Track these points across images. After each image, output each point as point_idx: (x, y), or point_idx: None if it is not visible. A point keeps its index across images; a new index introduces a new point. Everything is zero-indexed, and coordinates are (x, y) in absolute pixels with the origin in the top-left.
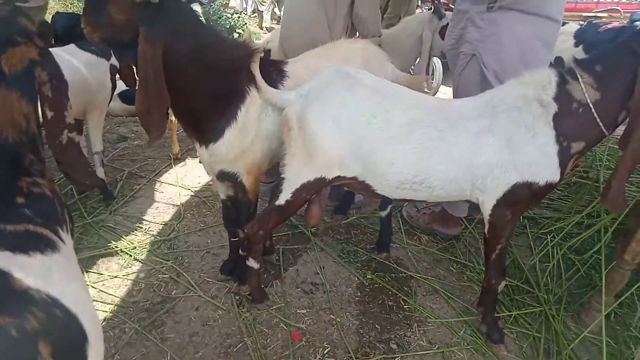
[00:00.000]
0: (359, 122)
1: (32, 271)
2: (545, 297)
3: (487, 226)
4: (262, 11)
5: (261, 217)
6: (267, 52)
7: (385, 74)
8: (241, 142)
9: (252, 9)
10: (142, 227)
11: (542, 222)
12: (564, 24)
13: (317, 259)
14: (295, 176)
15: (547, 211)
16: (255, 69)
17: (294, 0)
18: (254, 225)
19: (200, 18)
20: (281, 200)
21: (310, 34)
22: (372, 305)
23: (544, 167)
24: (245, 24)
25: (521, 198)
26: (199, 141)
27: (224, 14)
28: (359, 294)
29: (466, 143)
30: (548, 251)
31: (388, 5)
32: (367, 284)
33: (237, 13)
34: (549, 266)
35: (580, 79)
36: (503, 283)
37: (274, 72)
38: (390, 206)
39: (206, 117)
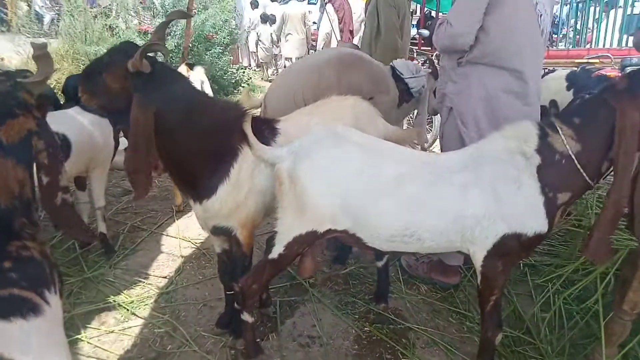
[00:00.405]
0: (348, 177)
1: (9, 339)
2: (547, 348)
3: (479, 277)
4: (263, 64)
5: (255, 270)
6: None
7: (376, 128)
8: (234, 198)
9: (257, 62)
10: (141, 281)
11: (543, 269)
12: (552, 70)
13: (315, 311)
14: (288, 230)
15: (549, 257)
16: (247, 128)
17: (293, 65)
18: (248, 279)
19: (192, 84)
20: (274, 253)
21: (284, 107)
22: (370, 359)
23: (531, 218)
24: (250, 78)
25: (511, 249)
26: (192, 198)
27: (230, 70)
28: (356, 346)
29: (453, 196)
30: (550, 300)
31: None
32: (364, 336)
33: (242, 68)
34: (549, 316)
35: (560, 131)
36: (500, 335)
37: (266, 130)
38: (386, 256)
39: (199, 175)
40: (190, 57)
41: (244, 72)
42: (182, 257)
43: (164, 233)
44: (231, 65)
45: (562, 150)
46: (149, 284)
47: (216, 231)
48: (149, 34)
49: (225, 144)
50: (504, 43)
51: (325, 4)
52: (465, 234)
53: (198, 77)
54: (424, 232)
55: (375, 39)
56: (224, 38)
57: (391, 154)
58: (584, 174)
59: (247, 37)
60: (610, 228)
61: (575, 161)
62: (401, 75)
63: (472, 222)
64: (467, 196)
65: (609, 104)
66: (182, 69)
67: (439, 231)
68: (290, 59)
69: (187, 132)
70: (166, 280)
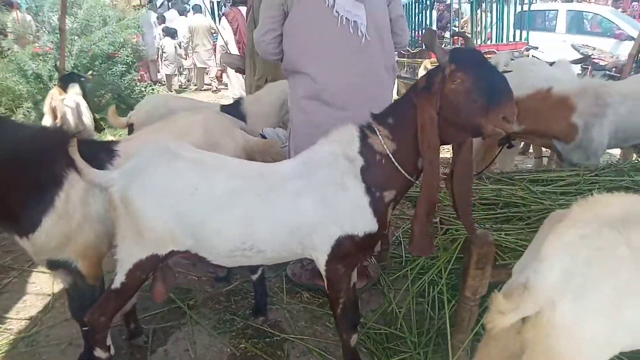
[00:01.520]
0: (182, 195)
1: None
2: (416, 340)
3: (326, 283)
4: (169, 77)
5: (101, 303)
6: (131, 125)
7: (233, 141)
8: (63, 228)
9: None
10: (1, 326)
11: (425, 263)
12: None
13: (191, 334)
14: (127, 256)
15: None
16: (74, 153)
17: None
18: (94, 313)
19: None
20: (116, 283)
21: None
22: None
23: (359, 219)
24: (158, 92)
25: (348, 251)
26: (17, 233)
27: (137, 87)
28: None
29: (287, 205)
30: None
31: (256, 67)
32: (239, 353)
33: (150, 85)
34: (404, 310)
35: (378, 132)
36: (355, 336)
37: (102, 153)
38: (261, 269)
39: (18, 208)
40: (90, 77)
41: (152, 89)
42: (52, 294)
43: (36, 270)
44: (137, 83)
45: (381, 150)
46: (9, 328)
47: (52, 265)
48: (47, 55)
49: (46, 171)
50: (295, 50)
51: (221, 15)
52: (303, 241)
53: (72, 99)
54: (263, 243)
55: (255, 51)
56: (127, 56)
57: (226, 167)
58: (403, 172)
59: (157, 53)
60: (427, 221)
61: (393, 160)
62: None
63: (308, 228)
64: (300, 203)
65: (414, 103)
66: (54, 92)
67: (277, 241)
68: (202, 68)
69: None
70: (31, 322)
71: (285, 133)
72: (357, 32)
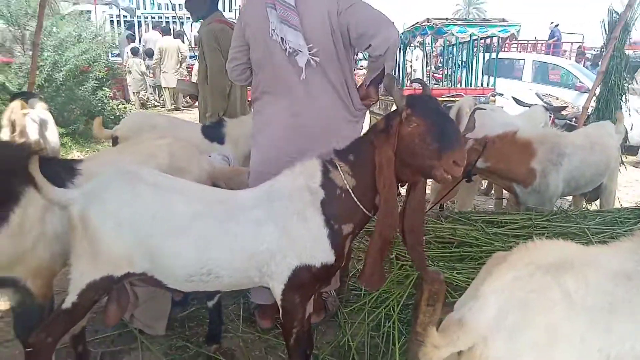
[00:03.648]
0: (142, 218)
1: None
2: None
3: (281, 311)
4: (135, 94)
5: (48, 323)
6: (115, 138)
7: (198, 167)
8: (16, 246)
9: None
10: None
11: (381, 296)
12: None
13: None
14: (81, 276)
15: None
16: (34, 169)
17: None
18: (40, 333)
19: None
20: (67, 303)
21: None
22: None
23: (317, 250)
24: (130, 110)
25: (304, 281)
26: None
27: (108, 105)
28: None
29: (247, 232)
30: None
31: (207, 103)
32: None
33: (123, 103)
34: (356, 344)
35: (339, 168)
36: None
37: (62, 171)
38: (218, 295)
39: None
40: (61, 92)
41: (125, 107)
42: None
43: None
44: (110, 100)
45: (341, 185)
46: None
47: None
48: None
49: (2, 186)
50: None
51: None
52: (262, 269)
53: (37, 115)
54: (221, 269)
55: (206, 81)
56: (100, 72)
57: (186, 192)
58: (361, 207)
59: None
60: (379, 257)
61: (353, 195)
62: None
63: (267, 256)
64: (260, 232)
65: (373, 142)
66: (15, 105)
67: (235, 268)
68: (171, 89)
69: None
70: None
71: (232, 156)
72: (297, 66)
